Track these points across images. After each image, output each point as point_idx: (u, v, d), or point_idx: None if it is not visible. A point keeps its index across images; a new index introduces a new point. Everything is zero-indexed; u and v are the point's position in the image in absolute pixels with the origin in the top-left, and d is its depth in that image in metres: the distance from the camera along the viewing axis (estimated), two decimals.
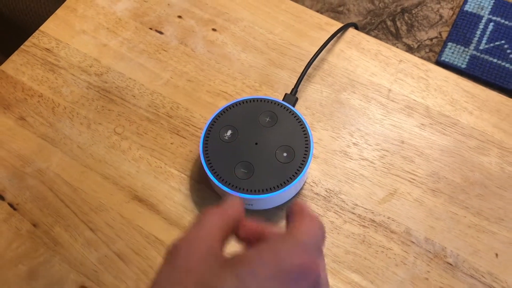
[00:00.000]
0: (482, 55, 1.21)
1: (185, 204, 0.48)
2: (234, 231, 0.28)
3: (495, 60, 1.20)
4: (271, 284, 0.23)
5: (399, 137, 0.51)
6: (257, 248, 0.25)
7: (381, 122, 0.51)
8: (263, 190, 0.43)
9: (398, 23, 1.27)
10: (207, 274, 0.24)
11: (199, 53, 0.56)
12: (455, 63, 1.20)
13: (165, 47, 0.57)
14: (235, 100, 0.47)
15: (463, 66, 1.20)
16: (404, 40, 1.25)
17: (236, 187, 0.43)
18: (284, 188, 0.43)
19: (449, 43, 1.23)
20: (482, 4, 1.28)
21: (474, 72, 1.19)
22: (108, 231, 0.47)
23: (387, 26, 1.27)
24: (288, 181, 0.43)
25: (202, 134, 0.46)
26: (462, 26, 1.25)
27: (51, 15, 0.59)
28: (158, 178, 0.49)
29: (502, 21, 1.25)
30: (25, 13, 0.85)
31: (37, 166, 0.50)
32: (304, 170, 0.44)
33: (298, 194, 0.48)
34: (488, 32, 1.24)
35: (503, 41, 1.23)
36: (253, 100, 0.47)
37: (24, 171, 0.50)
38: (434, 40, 1.25)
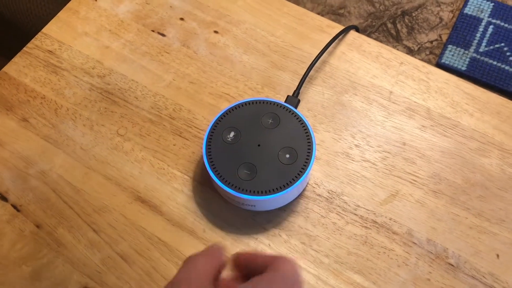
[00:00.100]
0: (482, 58, 1.21)
1: (188, 205, 0.48)
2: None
3: (495, 63, 1.20)
4: None
5: (401, 139, 0.51)
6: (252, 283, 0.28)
7: (383, 124, 0.52)
8: (266, 191, 0.43)
9: (398, 26, 1.27)
10: None
11: (201, 55, 0.56)
12: (455, 65, 1.21)
13: (168, 49, 0.57)
14: (237, 102, 0.48)
15: (463, 68, 1.21)
16: (405, 42, 1.26)
17: (239, 188, 0.43)
18: (287, 190, 0.43)
19: (449, 46, 1.23)
20: (481, 7, 1.28)
21: (474, 74, 1.20)
22: (111, 232, 0.47)
23: (387, 28, 1.27)
24: (291, 182, 0.43)
25: (205, 135, 0.46)
26: (462, 29, 1.25)
27: (51, 17, 0.60)
28: (161, 180, 0.49)
29: (502, 24, 1.26)
30: (26, 15, 0.85)
31: (40, 167, 0.50)
32: (306, 172, 0.44)
33: (300, 195, 0.48)
34: (488, 35, 1.24)
35: (502, 44, 1.23)
36: (256, 102, 0.48)
37: (27, 172, 0.50)
38: (434, 43, 1.26)
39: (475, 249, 0.46)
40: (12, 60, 0.57)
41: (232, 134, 0.46)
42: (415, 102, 0.53)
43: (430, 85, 0.54)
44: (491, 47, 1.23)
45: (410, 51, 1.24)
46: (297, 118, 0.47)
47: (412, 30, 1.27)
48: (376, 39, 1.02)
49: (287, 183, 0.43)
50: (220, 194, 0.48)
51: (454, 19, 1.29)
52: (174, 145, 0.51)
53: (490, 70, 1.20)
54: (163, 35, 0.58)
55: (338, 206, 0.48)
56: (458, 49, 1.23)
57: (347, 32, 0.57)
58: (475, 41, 1.24)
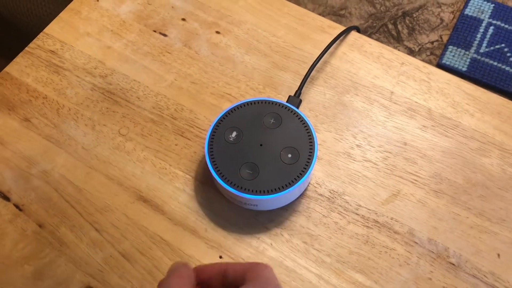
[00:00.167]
0: (483, 58, 1.22)
1: (190, 204, 0.48)
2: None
3: (495, 63, 1.21)
4: None
5: (402, 139, 0.51)
6: None
7: (384, 124, 0.52)
8: (268, 191, 0.43)
9: (399, 27, 1.28)
10: None
11: (203, 55, 0.57)
12: (456, 66, 1.21)
13: (169, 50, 0.57)
14: (239, 102, 0.48)
15: (464, 69, 1.21)
16: (405, 43, 1.26)
17: (241, 188, 0.43)
18: (289, 189, 0.43)
19: (450, 46, 1.24)
20: (482, 8, 1.28)
21: (475, 75, 1.20)
22: (113, 232, 0.47)
23: (388, 29, 1.28)
24: (293, 182, 0.44)
25: (207, 135, 0.46)
26: (463, 30, 1.25)
27: (52, 17, 0.60)
28: (163, 179, 0.49)
29: (502, 24, 1.26)
30: (26, 15, 0.85)
31: (42, 167, 0.51)
32: (308, 171, 0.44)
33: (302, 195, 0.48)
34: (488, 36, 1.24)
35: (503, 45, 1.23)
36: (258, 102, 0.48)
37: (29, 172, 0.50)
38: (435, 44, 1.26)
39: (476, 248, 0.46)
40: (14, 60, 0.57)
41: (234, 134, 0.46)
42: (416, 102, 0.53)
43: (431, 86, 0.54)
44: (492, 48, 1.23)
45: (411, 52, 1.24)
46: (299, 118, 0.47)
47: (413, 31, 1.27)
48: (377, 40, 1.02)
49: (289, 183, 0.44)
50: (222, 194, 0.48)
51: (455, 20, 1.29)
52: (176, 145, 0.51)
53: (490, 70, 1.20)
54: (165, 35, 0.58)
55: (340, 205, 0.48)
56: (459, 50, 1.23)
57: (348, 32, 0.57)
58: (476, 42, 1.24)
